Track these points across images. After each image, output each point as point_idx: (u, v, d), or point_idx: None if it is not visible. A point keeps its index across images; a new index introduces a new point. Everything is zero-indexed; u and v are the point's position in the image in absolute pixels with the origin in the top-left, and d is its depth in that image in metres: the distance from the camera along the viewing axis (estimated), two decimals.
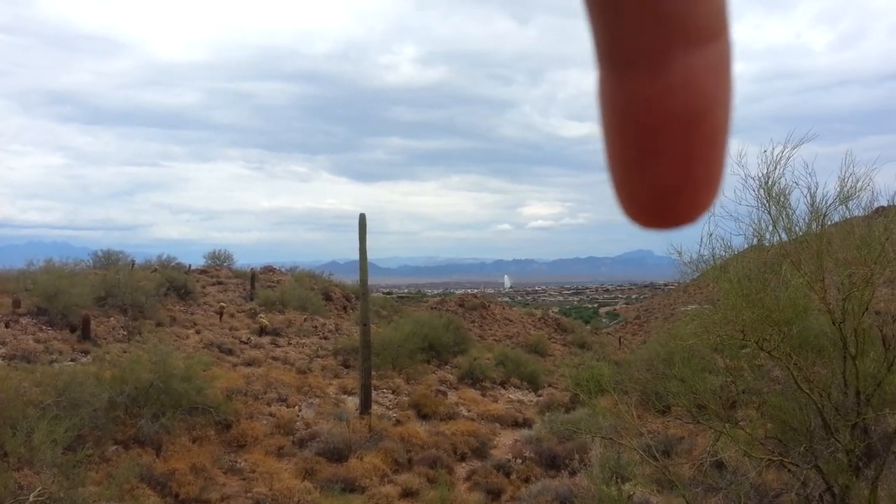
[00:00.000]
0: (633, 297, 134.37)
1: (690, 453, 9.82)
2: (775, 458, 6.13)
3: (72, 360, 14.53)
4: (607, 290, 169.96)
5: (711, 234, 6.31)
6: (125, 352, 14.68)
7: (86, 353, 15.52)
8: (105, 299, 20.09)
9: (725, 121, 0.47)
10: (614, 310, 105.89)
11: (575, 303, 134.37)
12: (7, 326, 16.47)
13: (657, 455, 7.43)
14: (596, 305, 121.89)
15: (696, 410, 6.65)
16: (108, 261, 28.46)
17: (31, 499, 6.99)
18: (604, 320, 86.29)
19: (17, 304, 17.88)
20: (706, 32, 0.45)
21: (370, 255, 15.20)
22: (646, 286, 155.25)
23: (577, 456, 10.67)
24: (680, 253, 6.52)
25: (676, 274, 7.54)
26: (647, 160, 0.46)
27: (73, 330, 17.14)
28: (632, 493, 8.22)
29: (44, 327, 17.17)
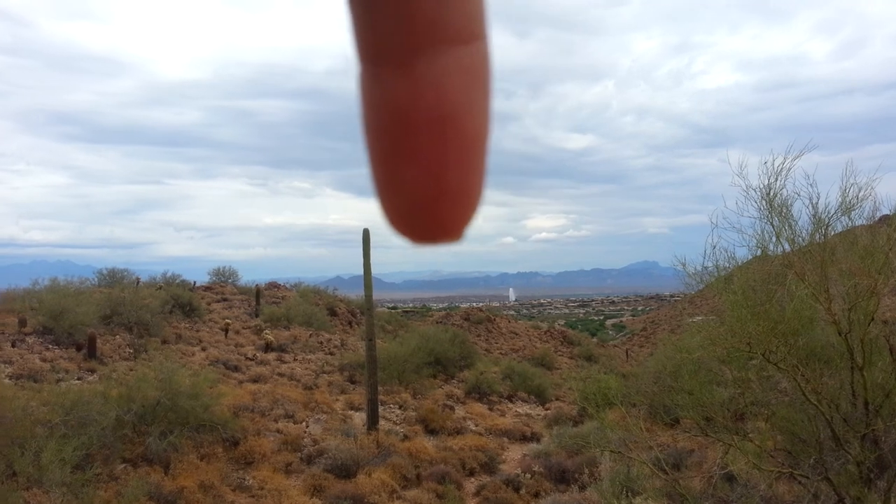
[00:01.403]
0: (640, 308, 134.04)
1: (700, 466, 9.76)
2: (785, 471, 6.10)
3: (78, 379, 14.56)
4: (613, 301, 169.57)
5: (715, 246, 6.33)
6: (131, 370, 14.70)
7: (92, 371, 15.55)
8: (110, 317, 20.15)
9: (482, 127, 0.46)
10: (621, 322, 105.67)
11: (581, 315, 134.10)
12: (13, 346, 16.52)
13: (667, 468, 7.40)
14: (602, 318, 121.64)
15: (705, 423, 6.63)
16: (113, 279, 28.57)
17: None
18: (610, 332, 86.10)
19: (22, 323, 17.94)
20: (459, 34, 0.44)
21: (374, 270, 15.22)
22: (651, 298, 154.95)
23: (586, 470, 10.63)
24: (684, 265, 6.53)
25: (682, 285, 7.55)
26: (400, 162, 0.45)
27: (79, 349, 17.17)
28: None
29: (50, 346, 17.21)
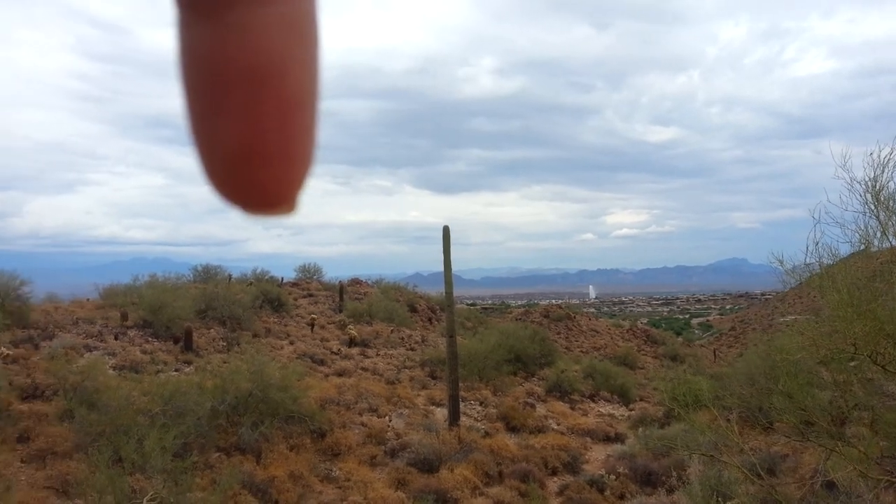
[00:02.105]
0: (728, 307, 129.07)
1: (796, 472, 9.32)
2: (895, 479, 5.74)
3: (176, 371, 15.30)
4: (699, 300, 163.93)
5: (818, 243, 6.00)
6: (225, 362, 15.34)
7: (188, 363, 16.32)
8: (205, 312, 21.08)
9: (305, 85, 0.43)
10: (707, 321, 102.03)
11: (665, 313, 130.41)
12: (116, 338, 17.53)
13: (762, 473, 7.10)
14: (687, 316, 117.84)
15: (804, 427, 6.32)
16: (207, 275, 29.89)
17: (144, 502, 7.40)
18: (696, 332, 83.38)
19: (124, 317, 19.02)
20: None
21: (453, 267, 15.29)
22: (741, 296, 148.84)
23: (674, 473, 10.33)
24: (781, 261, 6.23)
25: (776, 283, 7.22)
26: (212, 117, 0.42)
27: (176, 341, 18.06)
28: None
29: (149, 339, 18.16)
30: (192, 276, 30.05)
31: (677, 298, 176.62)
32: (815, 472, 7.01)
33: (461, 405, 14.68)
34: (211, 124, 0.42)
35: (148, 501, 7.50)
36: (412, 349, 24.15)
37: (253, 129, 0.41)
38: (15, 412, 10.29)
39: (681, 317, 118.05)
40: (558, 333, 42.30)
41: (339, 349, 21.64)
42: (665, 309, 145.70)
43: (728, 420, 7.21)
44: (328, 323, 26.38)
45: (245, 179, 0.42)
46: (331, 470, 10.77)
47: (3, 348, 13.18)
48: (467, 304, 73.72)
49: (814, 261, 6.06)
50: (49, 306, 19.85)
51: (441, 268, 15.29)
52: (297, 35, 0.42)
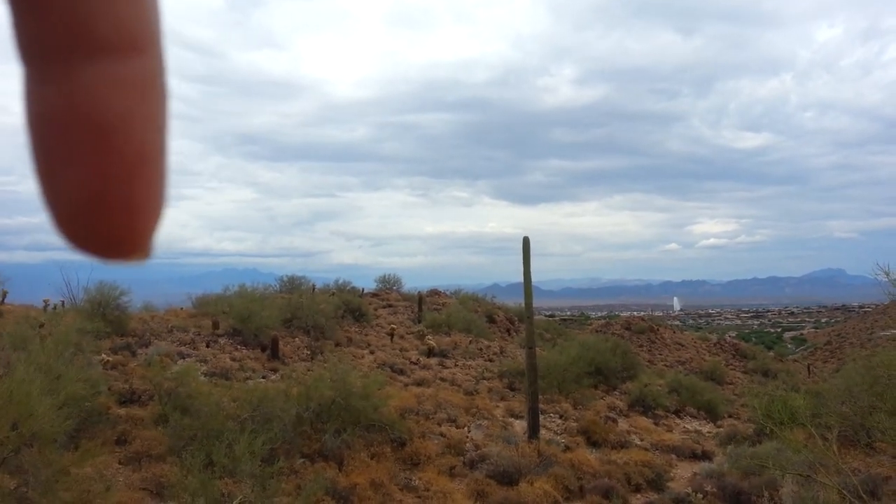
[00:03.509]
0: (823, 320, 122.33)
1: None
2: None
3: (263, 378, 15.80)
4: (792, 312, 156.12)
5: None
6: (309, 370, 15.73)
7: (275, 370, 16.83)
8: (291, 321, 21.72)
9: (148, 142, 0.43)
10: (801, 334, 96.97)
11: (755, 327, 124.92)
12: (207, 346, 18.29)
13: (863, 495, 6.66)
14: (779, 330, 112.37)
15: None
16: (293, 285, 30.80)
17: None
18: (789, 346, 79.42)
19: (216, 325, 19.82)
20: (122, 44, 0.42)
21: (532, 278, 15.16)
22: (837, 309, 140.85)
23: (765, 493, 9.84)
24: (887, 272, 5.85)
25: (877, 295, 6.78)
26: (59, 172, 0.42)
27: (263, 349, 18.67)
28: None
29: (238, 347, 18.85)
30: (278, 286, 31.04)
31: (768, 311, 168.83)
32: None
33: (540, 418, 14.49)
34: (58, 178, 0.42)
35: None
36: (490, 360, 24.07)
37: (97, 184, 0.42)
38: (113, 416, 10.88)
39: (772, 330, 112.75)
40: (641, 346, 41.19)
41: (417, 359, 21.82)
42: (755, 322, 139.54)
43: (826, 439, 6.80)
44: (407, 333, 26.67)
45: (93, 232, 0.43)
46: (410, 479, 10.84)
47: (103, 355, 13.98)
48: (546, 316, 72.93)
49: None
50: (146, 315, 20.94)
51: (519, 279, 15.20)
52: (142, 93, 0.43)
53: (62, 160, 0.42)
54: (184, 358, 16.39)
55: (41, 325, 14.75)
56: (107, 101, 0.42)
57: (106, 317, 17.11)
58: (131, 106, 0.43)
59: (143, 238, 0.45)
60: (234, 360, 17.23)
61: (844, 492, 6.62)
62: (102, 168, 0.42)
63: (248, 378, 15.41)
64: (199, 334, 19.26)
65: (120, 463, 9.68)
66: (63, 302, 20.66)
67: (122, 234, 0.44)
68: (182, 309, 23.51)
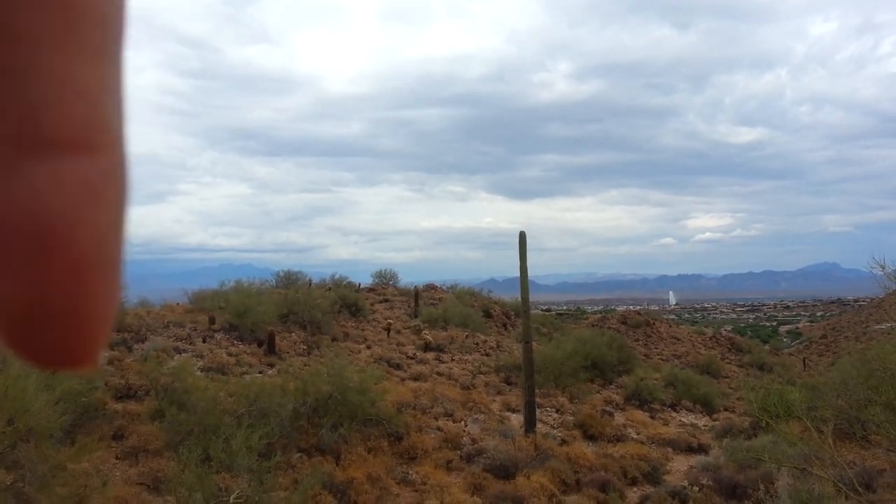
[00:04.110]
0: (818, 314, 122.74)
1: (895, 488, 8.75)
2: None
3: (260, 373, 15.80)
4: (787, 306, 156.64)
5: None
6: (306, 365, 15.73)
7: (271, 366, 16.83)
8: (287, 316, 21.71)
9: (100, 246, 0.39)
10: (797, 328, 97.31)
11: (750, 320, 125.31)
12: (204, 341, 18.27)
13: (858, 488, 6.70)
14: (775, 323, 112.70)
15: None
16: (289, 280, 30.78)
17: (231, 500, 7.66)
18: (785, 340, 79.68)
19: (212, 320, 19.80)
20: (74, 143, 0.38)
21: (528, 272, 15.17)
22: (832, 302, 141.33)
23: (761, 486, 9.88)
24: (883, 266, 5.86)
25: (872, 288, 6.80)
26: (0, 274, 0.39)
27: (260, 344, 18.66)
28: None
29: (235, 342, 18.83)
30: (274, 281, 31.01)
31: (764, 305, 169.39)
32: None
33: (537, 412, 14.53)
34: None
35: (234, 500, 7.75)
36: (487, 355, 24.11)
37: (38, 291, 0.39)
38: (110, 411, 10.87)
39: (768, 324, 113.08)
40: (637, 340, 41.29)
41: (414, 354, 21.84)
42: (751, 316, 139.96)
43: (821, 432, 6.82)
44: (404, 328, 26.68)
45: (34, 342, 0.39)
46: (407, 473, 10.86)
47: None
48: (542, 310, 73.02)
49: None
50: (142, 311, 20.90)
51: (516, 273, 15.21)
52: (92, 195, 0.39)
53: (3, 262, 0.39)
54: (180, 353, 16.37)
55: None
56: (52, 202, 0.38)
57: None
58: (79, 208, 0.39)
59: (89, 349, 0.41)
60: (230, 355, 17.21)
61: (840, 484, 6.66)
62: (43, 275, 0.39)
63: (244, 373, 15.41)
64: (196, 330, 19.24)
65: (117, 458, 9.67)
66: None
67: (66, 344, 0.40)
68: (178, 304, 23.47)
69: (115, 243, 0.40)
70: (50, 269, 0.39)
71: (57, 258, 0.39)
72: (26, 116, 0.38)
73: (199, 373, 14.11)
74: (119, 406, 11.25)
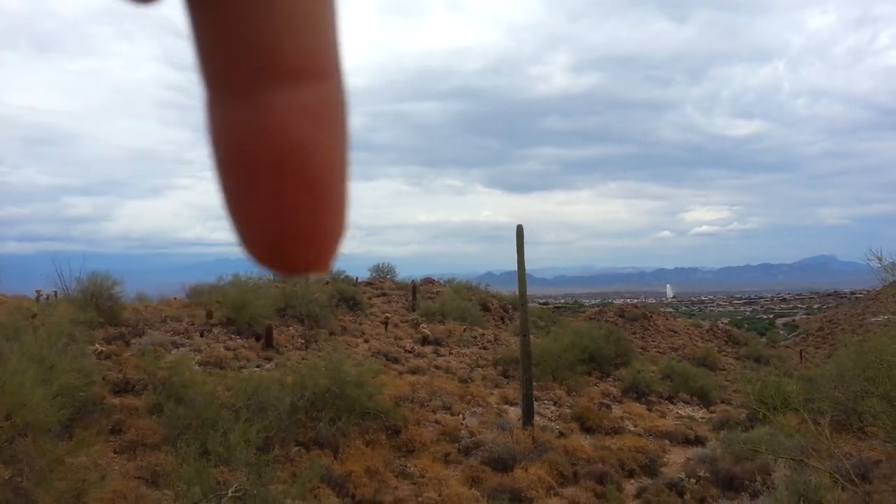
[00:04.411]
0: (815, 307, 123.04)
1: (890, 479, 8.79)
2: None
3: (257, 367, 15.79)
4: (784, 299, 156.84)
5: None
6: (304, 359, 15.74)
7: (269, 359, 16.83)
8: (285, 310, 21.70)
9: (332, 168, 0.44)
10: (793, 321, 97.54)
11: (747, 313, 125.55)
12: (201, 336, 18.26)
13: (855, 479, 6.73)
14: (772, 316, 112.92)
15: None
16: None
17: (229, 494, 7.67)
18: (782, 332, 79.83)
19: (209, 315, 19.78)
20: (305, 70, 0.43)
21: (526, 266, 15.17)
22: (829, 295, 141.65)
23: (758, 477, 9.93)
24: (880, 258, 5.87)
25: (869, 281, 6.81)
26: (242, 196, 0.44)
27: (257, 338, 18.65)
28: None
29: (233, 336, 18.82)
30: (272, 275, 30.91)
31: (761, 298, 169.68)
32: None
33: (535, 404, 14.56)
34: (243, 202, 0.44)
35: (232, 493, 7.76)
36: (485, 348, 24.14)
37: (283, 208, 0.44)
38: (108, 405, 10.86)
39: (764, 317, 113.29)
40: (634, 333, 41.36)
41: (412, 347, 21.85)
42: (748, 308, 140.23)
43: (818, 423, 6.85)
44: (401, 322, 26.69)
45: (277, 252, 0.45)
46: (405, 466, 10.89)
47: (96, 345, 13.94)
48: (540, 304, 73.10)
49: None
50: (139, 305, 20.88)
51: (513, 267, 15.21)
52: (324, 119, 0.44)
53: (249, 184, 0.44)
54: (178, 347, 16.35)
55: (34, 316, 14.68)
56: (292, 126, 0.43)
57: (99, 307, 17.04)
58: (315, 131, 0.44)
59: (325, 257, 0.46)
60: (228, 349, 17.20)
61: (836, 476, 6.68)
62: (288, 192, 0.44)
63: (242, 367, 15.40)
64: (193, 324, 19.22)
65: (115, 452, 9.68)
66: (55, 292, 20.55)
67: (305, 255, 0.45)
68: (175, 299, 23.44)
69: (343, 162, 0.45)
70: (293, 188, 0.43)
71: (297, 179, 0.43)
72: (267, 49, 0.42)
73: (196, 367, 14.09)
74: (117, 400, 11.25)
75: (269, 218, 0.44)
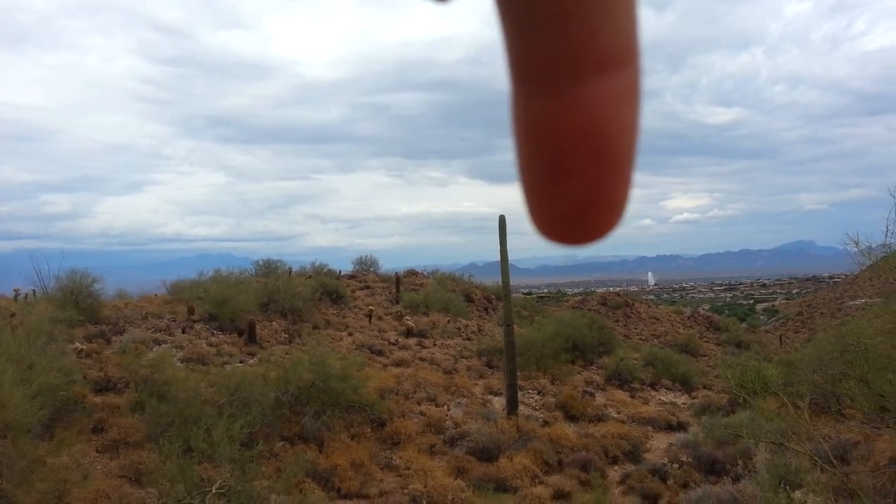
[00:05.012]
0: (794, 292, 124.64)
1: (869, 460, 8.94)
2: None
3: (240, 363, 15.71)
4: (764, 284, 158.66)
5: None
6: (287, 353, 15.67)
7: (252, 355, 16.75)
8: (267, 305, 21.56)
9: (632, 146, 0.48)
10: (773, 306, 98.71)
11: (728, 299, 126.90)
12: (183, 332, 18.12)
13: (834, 461, 6.84)
14: (752, 301, 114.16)
15: (880, 413, 6.04)
16: (268, 269, 30.51)
17: (213, 490, 7.64)
18: (761, 317, 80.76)
19: (191, 311, 19.62)
20: (615, 58, 0.45)
21: (509, 256, 15.19)
22: (808, 280, 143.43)
23: (739, 461, 10.07)
24: (857, 242, 5.95)
25: (847, 265, 6.90)
26: (555, 179, 0.47)
27: (240, 334, 18.54)
28: (804, 501, 7.61)
29: (215, 332, 18.70)
30: (253, 270, 30.73)
31: (741, 284, 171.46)
32: (892, 459, 6.69)
33: (519, 394, 14.63)
34: (555, 185, 0.47)
35: (217, 490, 7.73)
36: (469, 339, 24.18)
37: (590, 192, 0.47)
38: (89, 404, 10.76)
39: (745, 302, 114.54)
40: (616, 321, 41.64)
41: (396, 340, 21.84)
42: (728, 295, 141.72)
43: (798, 407, 6.95)
44: (385, 314, 26.65)
45: (578, 228, 0.48)
46: (391, 458, 10.90)
47: (76, 343, 13.78)
48: (523, 294, 73.31)
49: (893, 241, 5.76)
50: (119, 302, 20.67)
51: (496, 257, 15.23)
52: (629, 103, 0.47)
53: (561, 170, 0.47)
54: (159, 344, 16.22)
55: (12, 315, 14.47)
56: (606, 113, 0.46)
57: (78, 305, 16.84)
58: (624, 117, 0.47)
59: (614, 227, 0.50)
60: (210, 345, 17.10)
61: (816, 458, 6.78)
62: (595, 177, 0.47)
63: (225, 363, 15.32)
64: (175, 320, 19.07)
65: (97, 451, 9.60)
66: (34, 291, 20.27)
67: (602, 230, 0.49)
68: (156, 296, 23.21)
69: (636, 142, 0.48)
70: (605, 170, 0.47)
71: (610, 161, 0.47)
72: (585, 39, 0.44)
73: (178, 364, 14.00)
74: (98, 399, 11.15)
75: (579, 199, 0.47)
